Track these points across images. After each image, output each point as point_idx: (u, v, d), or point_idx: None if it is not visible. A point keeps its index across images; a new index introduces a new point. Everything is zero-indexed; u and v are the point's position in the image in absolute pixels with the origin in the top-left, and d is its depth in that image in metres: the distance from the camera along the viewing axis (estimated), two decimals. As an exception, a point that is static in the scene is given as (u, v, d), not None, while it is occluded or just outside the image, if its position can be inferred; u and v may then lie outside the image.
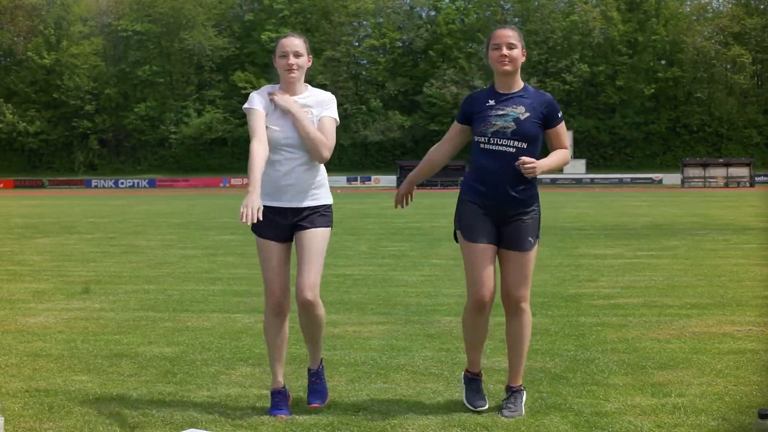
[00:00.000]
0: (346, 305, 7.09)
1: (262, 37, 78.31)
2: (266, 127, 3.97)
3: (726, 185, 55.32)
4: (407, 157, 72.79)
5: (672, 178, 62.02)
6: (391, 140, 77.11)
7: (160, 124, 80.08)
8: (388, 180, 66.48)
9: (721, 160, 59.31)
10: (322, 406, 4.09)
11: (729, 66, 75.99)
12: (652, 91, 73.64)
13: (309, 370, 4.22)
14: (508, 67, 3.96)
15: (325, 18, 79.79)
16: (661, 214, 21.12)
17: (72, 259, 11.31)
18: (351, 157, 76.41)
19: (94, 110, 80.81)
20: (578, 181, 63.55)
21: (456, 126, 4.16)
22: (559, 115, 4.02)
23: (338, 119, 4.09)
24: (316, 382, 4.16)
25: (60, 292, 8.17)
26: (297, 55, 3.99)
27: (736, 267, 9.55)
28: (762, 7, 75.84)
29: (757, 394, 4.24)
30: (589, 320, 6.30)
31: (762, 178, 60.39)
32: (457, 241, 4.14)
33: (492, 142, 3.94)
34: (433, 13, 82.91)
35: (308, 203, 4.03)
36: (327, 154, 3.98)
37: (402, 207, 4.40)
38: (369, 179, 68.42)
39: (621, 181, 64.33)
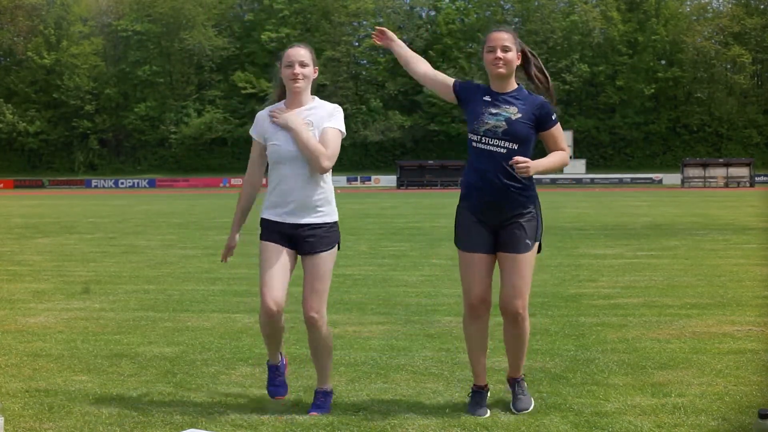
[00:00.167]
0: (346, 305, 7.09)
1: (262, 37, 78.30)
2: (269, 144, 4.01)
3: (726, 185, 55.31)
4: (407, 157, 72.74)
5: (672, 178, 61.99)
6: (391, 140, 77.07)
7: (160, 124, 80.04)
8: (388, 180, 66.37)
9: (721, 160, 59.33)
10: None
11: (729, 66, 75.93)
12: (652, 91, 73.58)
13: (317, 387, 4.14)
14: (502, 70, 3.97)
15: (325, 18, 79.74)
16: (661, 214, 21.12)
17: (72, 259, 11.31)
18: (351, 157, 76.31)
19: (94, 110, 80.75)
20: (578, 181, 63.51)
21: (451, 82, 4.14)
22: (554, 117, 4.00)
23: (344, 131, 4.02)
24: (321, 400, 4.08)
25: (60, 292, 8.17)
26: (303, 65, 3.99)
27: (736, 267, 9.55)
28: (762, 7, 75.77)
29: (757, 394, 4.24)
30: (589, 320, 6.30)
31: (762, 178, 60.34)
32: (457, 246, 4.14)
33: (483, 141, 3.95)
34: (433, 13, 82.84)
35: (310, 220, 3.97)
36: (327, 164, 3.91)
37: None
38: (369, 179, 68.34)
39: (621, 181, 64.30)
